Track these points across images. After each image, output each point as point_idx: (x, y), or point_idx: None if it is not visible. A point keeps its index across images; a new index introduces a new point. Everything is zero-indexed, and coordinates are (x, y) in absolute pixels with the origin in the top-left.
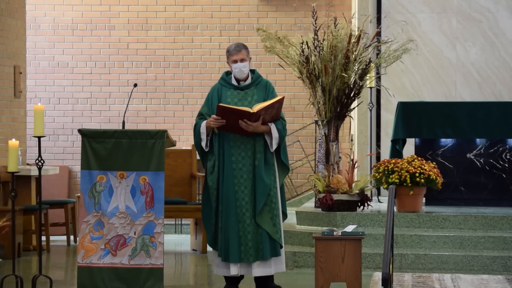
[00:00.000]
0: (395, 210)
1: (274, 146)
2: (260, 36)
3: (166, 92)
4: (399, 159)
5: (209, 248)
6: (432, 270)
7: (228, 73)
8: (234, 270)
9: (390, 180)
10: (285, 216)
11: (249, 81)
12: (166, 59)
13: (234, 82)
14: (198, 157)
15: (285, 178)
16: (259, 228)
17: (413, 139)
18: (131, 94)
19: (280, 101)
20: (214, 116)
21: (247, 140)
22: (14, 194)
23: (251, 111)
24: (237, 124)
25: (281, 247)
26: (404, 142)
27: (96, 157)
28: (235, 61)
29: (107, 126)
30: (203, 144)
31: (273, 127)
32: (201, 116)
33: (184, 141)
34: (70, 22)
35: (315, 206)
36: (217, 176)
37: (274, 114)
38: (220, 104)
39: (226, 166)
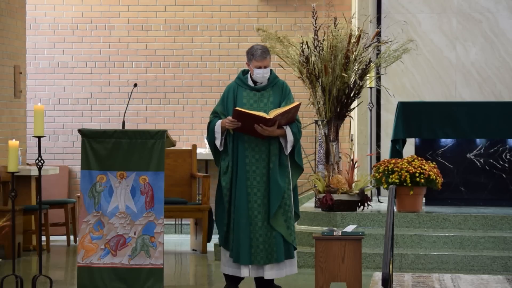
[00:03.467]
0: (395, 210)
1: (289, 149)
2: (260, 36)
3: (166, 92)
4: (399, 159)
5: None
6: (432, 270)
7: (244, 72)
8: (245, 272)
9: (390, 180)
10: (297, 216)
11: (266, 82)
12: (166, 59)
13: (250, 82)
14: (198, 157)
15: None
16: (273, 231)
17: (413, 139)
18: (131, 94)
19: (297, 107)
20: (230, 118)
21: (262, 143)
22: (14, 194)
23: (267, 116)
24: (253, 128)
25: (295, 249)
26: (404, 142)
27: (96, 157)
28: (259, 67)
29: (107, 126)
30: (217, 143)
31: (288, 130)
32: (215, 114)
33: (184, 141)
34: (70, 22)
35: (315, 206)
36: (231, 176)
37: (290, 117)
38: (237, 108)
39: (240, 167)
